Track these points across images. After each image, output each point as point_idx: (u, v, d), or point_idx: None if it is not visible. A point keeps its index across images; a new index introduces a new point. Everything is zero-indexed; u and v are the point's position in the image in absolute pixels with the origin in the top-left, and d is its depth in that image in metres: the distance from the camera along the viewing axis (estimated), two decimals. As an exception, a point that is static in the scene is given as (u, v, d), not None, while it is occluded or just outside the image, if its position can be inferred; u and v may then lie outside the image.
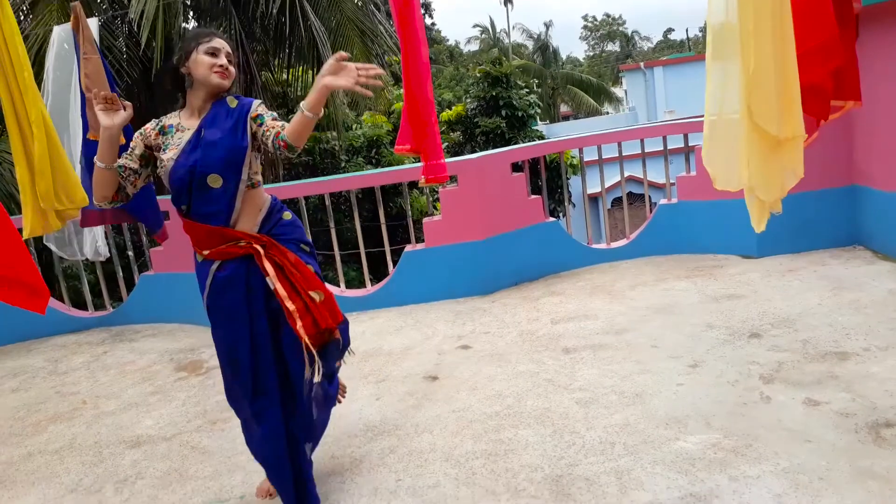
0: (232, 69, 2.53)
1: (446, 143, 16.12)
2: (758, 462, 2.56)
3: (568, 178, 6.11)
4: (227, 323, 2.55)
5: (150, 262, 5.95)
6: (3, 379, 4.90)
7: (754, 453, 2.63)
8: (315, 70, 9.91)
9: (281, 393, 2.57)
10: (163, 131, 2.54)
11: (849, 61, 3.00)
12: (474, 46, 44.76)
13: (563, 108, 40.25)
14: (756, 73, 2.38)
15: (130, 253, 6.18)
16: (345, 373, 4.04)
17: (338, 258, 5.60)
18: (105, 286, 6.21)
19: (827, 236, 5.13)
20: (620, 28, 64.42)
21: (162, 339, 5.41)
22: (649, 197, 6.42)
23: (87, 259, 5.40)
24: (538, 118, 19.24)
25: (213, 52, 2.49)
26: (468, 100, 16.47)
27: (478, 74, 16.02)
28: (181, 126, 2.53)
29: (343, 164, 12.44)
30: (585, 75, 39.04)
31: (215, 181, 2.46)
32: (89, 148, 4.10)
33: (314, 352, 2.48)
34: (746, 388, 3.17)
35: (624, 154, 5.94)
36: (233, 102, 2.55)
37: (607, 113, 36.54)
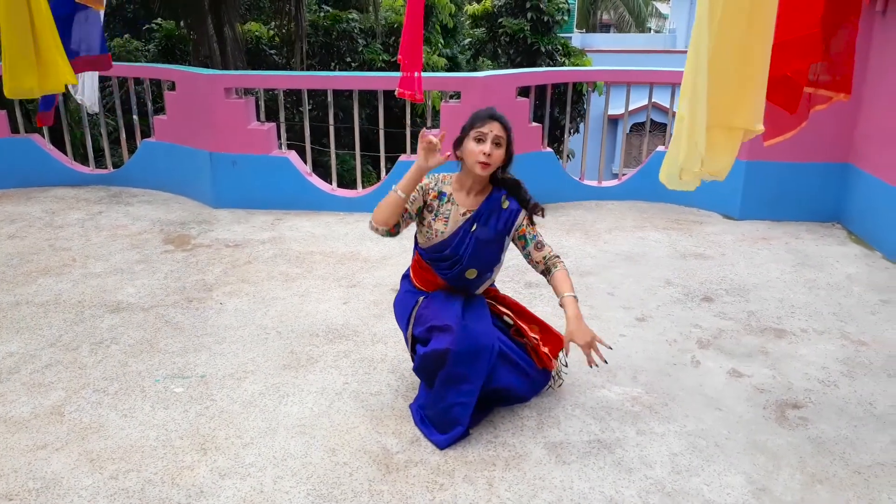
0: (496, 153, 2.60)
1: (469, 40, 15.59)
2: (667, 421, 2.81)
3: (586, 94, 5.98)
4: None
5: (152, 129, 6.07)
6: (1, 224, 5.14)
7: (667, 412, 2.88)
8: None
9: None
10: (439, 195, 2.71)
11: (845, 54, 2.99)
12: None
13: (605, 17, 38.71)
14: (714, 59, 2.33)
15: (135, 116, 6.26)
16: (321, 273, 4.28)
17: (333, 156, 5.71)
18: (107, 145, 6.35)
19: (809, 208, 5.22)
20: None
21: (156, 206, 5.61)
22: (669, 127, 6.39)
23: (82, 101, 5.41)
24: (570, 25, 18.35)
25: (480, 138, 2.57)
26: (496, -5, 15.68)
27: None
28: (452, 199, 2.70)
29: (360, 48, 12.15)
30: (632, -14, 37.27)
31: (471, 274, 2.75)
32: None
33: None
34: (681, 349, 3.39)
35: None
36: (504, 203, 2.72)
37: (650, 29, 35.16)
